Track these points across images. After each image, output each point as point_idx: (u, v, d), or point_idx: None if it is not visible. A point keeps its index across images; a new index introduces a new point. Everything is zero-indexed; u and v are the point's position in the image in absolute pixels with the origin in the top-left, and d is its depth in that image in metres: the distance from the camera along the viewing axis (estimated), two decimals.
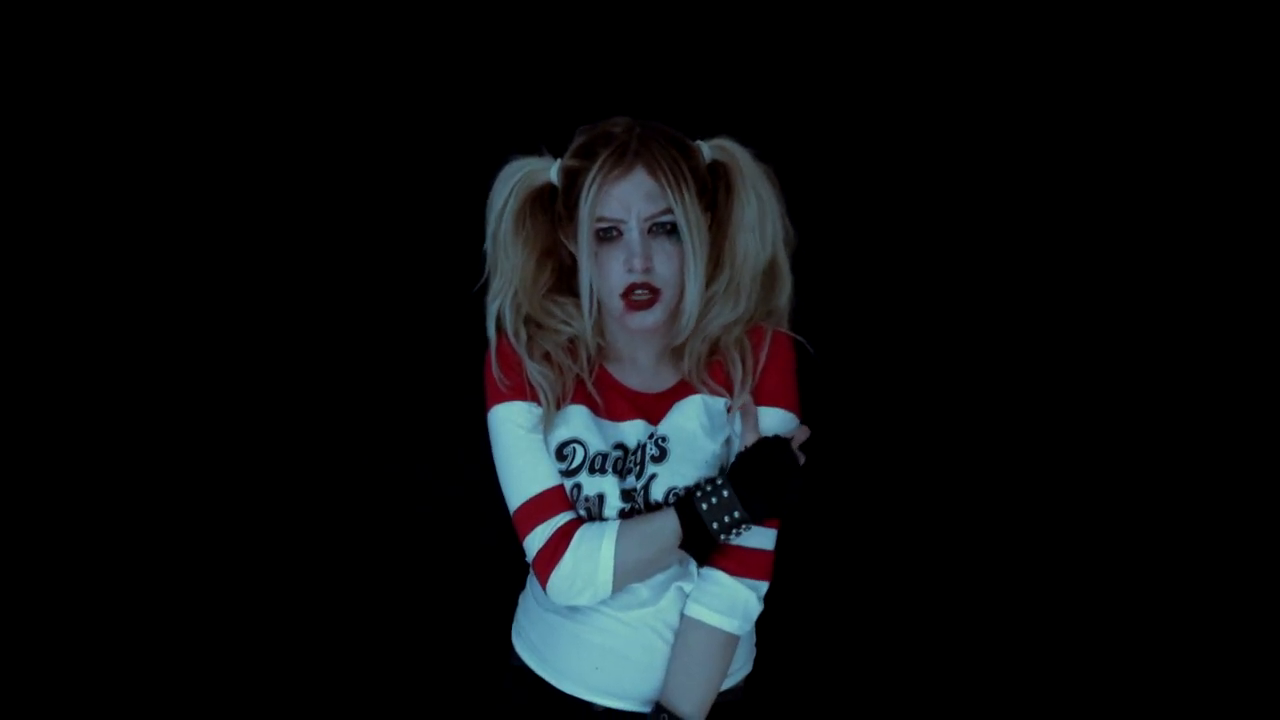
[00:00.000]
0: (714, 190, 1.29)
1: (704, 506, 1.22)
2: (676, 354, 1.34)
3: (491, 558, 1.39)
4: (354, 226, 2.02)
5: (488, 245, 1.30)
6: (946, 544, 2.05)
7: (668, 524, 1.23)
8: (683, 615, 1.28)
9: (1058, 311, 2.01)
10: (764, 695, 1.47)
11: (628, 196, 1.21)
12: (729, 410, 1.29)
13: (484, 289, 1.33)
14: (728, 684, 1.34)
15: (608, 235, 1.23)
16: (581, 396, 1.32)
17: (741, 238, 1.27)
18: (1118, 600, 2.03)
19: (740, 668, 1.37)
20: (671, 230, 1.23)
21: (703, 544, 1.23)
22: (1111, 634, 2.03)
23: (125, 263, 2.01)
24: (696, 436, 1.28)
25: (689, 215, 1.21)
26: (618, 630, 1.29)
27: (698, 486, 1.25)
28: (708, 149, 1.28)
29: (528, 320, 1.32)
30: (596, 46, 1.96)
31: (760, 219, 1.27)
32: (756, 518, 1.22)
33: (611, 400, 1.33)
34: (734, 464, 1.25)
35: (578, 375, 1.32)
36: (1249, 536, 1.99)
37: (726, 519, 1.21)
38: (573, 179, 1.24)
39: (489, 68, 1.99)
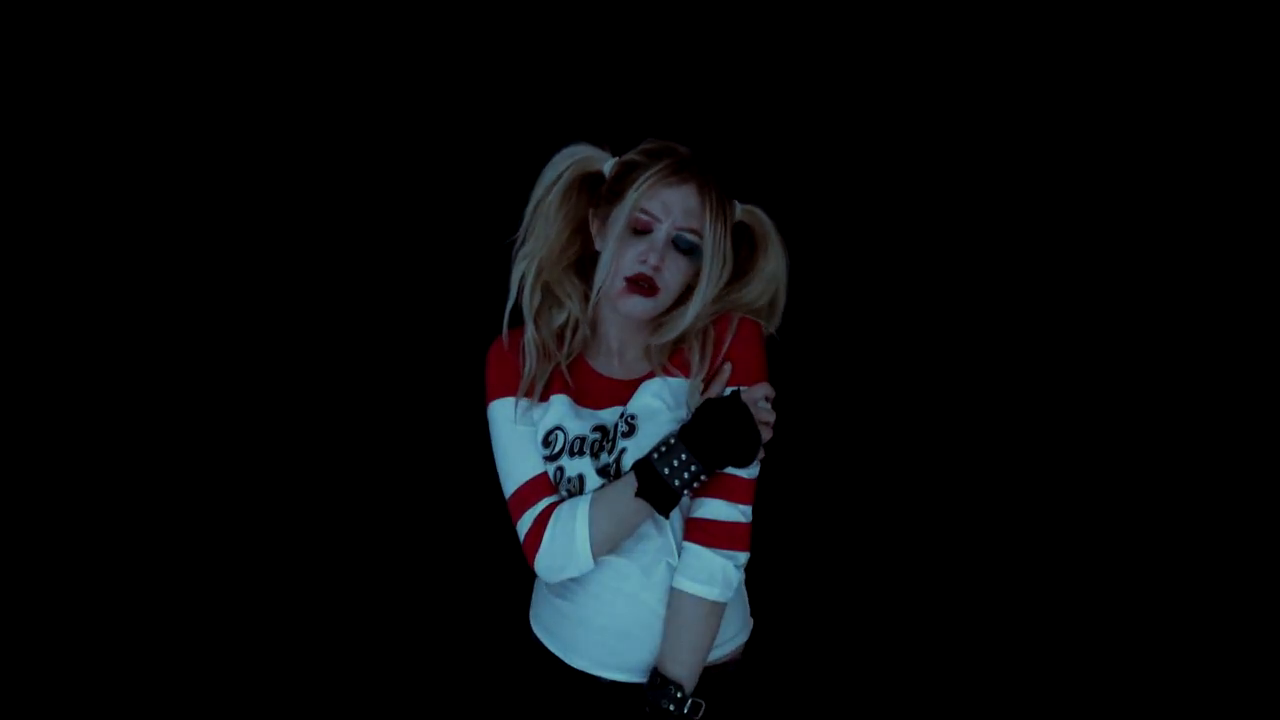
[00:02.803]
0: (736, 243, 1.44)
1: (654, 456, 1.32)
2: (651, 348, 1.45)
3: (512, 543, 1.46)
4: (362, 230, 2.07)
5: (529, 210, 1.43)
6: (938, 524, 2.07)
7: (628, 483, 1.34)
8: (670, 588, 1.36)
9: (1039, 310, 2.03)
10: (761, 664, 1.54)
11: (672, 201, 1.35)
12: (690, 399, 1.39)
13: (505, 258, 1.45)
14: (723, 652, 1.43)
15: (638, 228, 1.36)
16: (563, 386, 1.44)
17: (753, 284, 1.47)
18: (1096, 571, 2.04)
19: (734, 636, 1.46)
20: (688, 251, 1.37)
21: (659, 492, 1.32)
22: (1090, 603, 2.04)
23: (129, 260, 2.04)
24: (660, 411, 1.38)
25: (716, 241, 1.37)
26: (617, 609, 1.38)
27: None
28: (740, 209, 1.44)
29: (543, 288, 1.45)
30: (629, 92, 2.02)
31: (772, 275, 1.47)
32: (708, 463, 1.31)
33: (592, 389, 1.45)
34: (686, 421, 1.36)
35: (558, 366, 1.44)
36: (1244, 529, 1.98)
37: (675, 463, 1.30)
38: (628, 170, 1.38)
39: (527, 92, 2.04)
